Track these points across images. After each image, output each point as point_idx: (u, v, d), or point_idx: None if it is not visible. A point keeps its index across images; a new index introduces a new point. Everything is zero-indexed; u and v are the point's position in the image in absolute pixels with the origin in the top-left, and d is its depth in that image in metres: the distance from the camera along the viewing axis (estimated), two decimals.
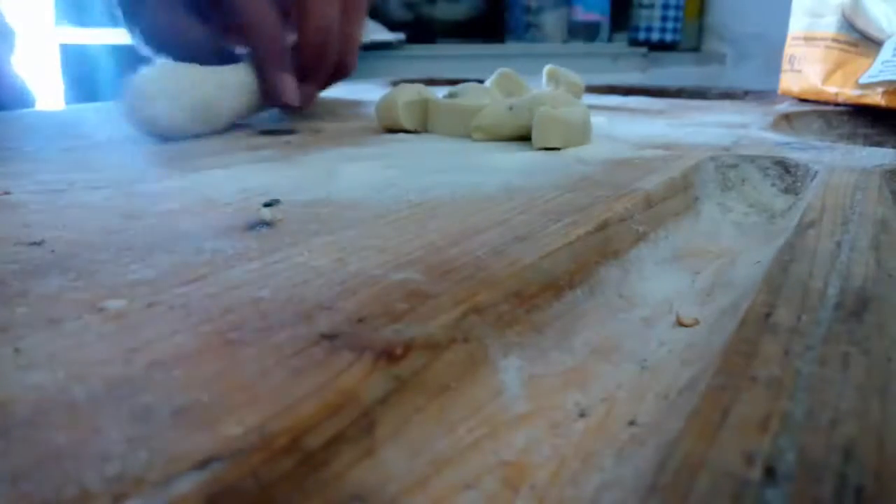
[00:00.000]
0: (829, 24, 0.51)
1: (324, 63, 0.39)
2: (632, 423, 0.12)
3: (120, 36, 0.94)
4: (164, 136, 0.29)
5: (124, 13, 0.42)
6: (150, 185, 0.24)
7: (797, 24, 0.55)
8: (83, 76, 1.07)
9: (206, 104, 0.30)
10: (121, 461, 0.08)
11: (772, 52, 0.68)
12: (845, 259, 0.16)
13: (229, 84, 0.32)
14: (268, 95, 0.36)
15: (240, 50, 0.39)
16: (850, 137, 0.48)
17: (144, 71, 0.28)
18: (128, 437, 0.09)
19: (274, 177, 0.25)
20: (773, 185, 0.27)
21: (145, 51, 0.42)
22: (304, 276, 0.15)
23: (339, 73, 0.42)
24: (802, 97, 0.54)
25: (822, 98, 0.51)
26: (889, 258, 0.17)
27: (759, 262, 0.20)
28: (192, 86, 0.29)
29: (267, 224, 0.19)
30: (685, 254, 0.22)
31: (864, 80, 0.47)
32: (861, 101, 0.47)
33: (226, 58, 0.37)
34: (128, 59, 0.41)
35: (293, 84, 0.37)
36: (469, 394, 0.12)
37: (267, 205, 0.20)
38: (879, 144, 0.46)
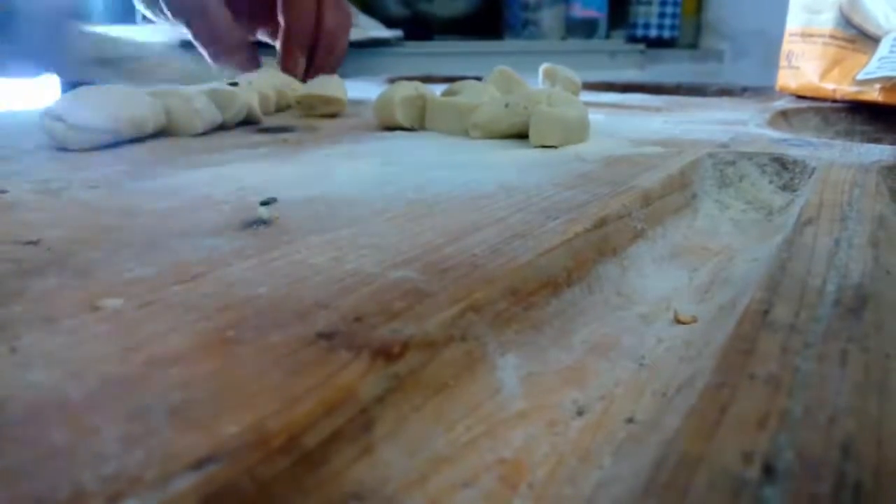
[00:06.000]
0: (826, 21, 0.51)
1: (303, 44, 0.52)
2: (630, 420, 0.12)
3: (118, 34, 0.93)
4: (72, 147, 0.30)
5: None
6: (146, 183, 0.24)
7: (795, 20, 0.55)
8: None
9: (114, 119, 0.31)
10: (117, 460, 0.08)
11: (770, 48, 0.67)
12: (843, 256, 0.16)
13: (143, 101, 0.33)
14: (283, 65, 0.50)
15: (256, 38, 0.54)
16: (848, 134, 0.48)
17: (61, 97, 0.30)
18: (124, 436, 0.09)
19: (271, 174, 0.25)
20: (770, 181, 0.27)
21: (162, 18, 0.51)
22: (302, 275, 0.15)
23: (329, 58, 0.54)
24: (800, 94, 0.54)
25: (820, 95, 0.51)
26: (887, 255, 0.17)
27: (756, 259, 0.20)
28: (97, 107, 0.30)
29: (264, 222, 0.19)
30: (683, 251, 0.22)
31: (861, 76, 0.47)
32: (859, 98, 0.47)
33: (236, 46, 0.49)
34: None
35: (303, 64, 0.51)
36: (467, 392, 0.12)
37: (264, 203, 0.20)
38: (877, 141, 0.46)
